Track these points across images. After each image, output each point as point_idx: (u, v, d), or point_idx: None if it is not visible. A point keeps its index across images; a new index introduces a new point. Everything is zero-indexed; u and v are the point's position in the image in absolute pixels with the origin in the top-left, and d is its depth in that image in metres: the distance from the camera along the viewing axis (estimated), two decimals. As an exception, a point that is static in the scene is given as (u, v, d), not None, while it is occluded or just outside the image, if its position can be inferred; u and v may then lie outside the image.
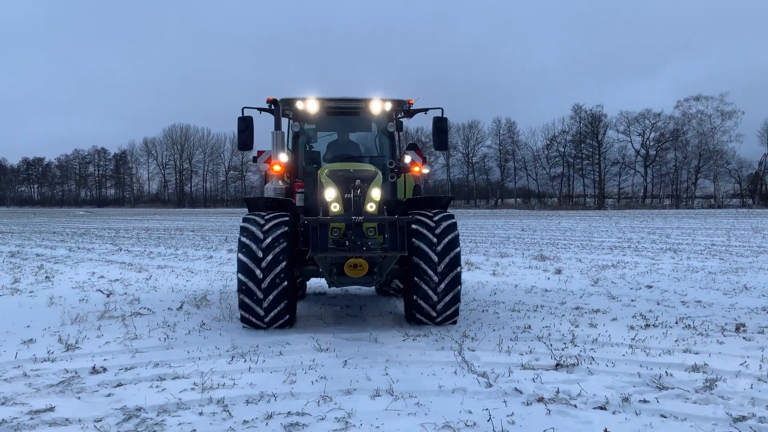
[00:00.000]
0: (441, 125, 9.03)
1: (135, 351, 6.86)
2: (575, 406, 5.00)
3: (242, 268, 7.40)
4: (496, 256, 17.79)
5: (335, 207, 7.75)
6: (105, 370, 6.11)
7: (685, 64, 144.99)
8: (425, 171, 9.76)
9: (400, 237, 7.40)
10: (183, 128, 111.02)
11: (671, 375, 5.81)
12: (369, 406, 5.04)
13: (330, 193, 7.79)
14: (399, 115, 9.56)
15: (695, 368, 6.03)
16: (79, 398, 5.27)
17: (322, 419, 4.73)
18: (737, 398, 5.17)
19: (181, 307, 9.56)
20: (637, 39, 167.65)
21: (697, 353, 6.62)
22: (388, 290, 10.86)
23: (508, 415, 4.74)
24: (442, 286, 7.58)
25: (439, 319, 7.83)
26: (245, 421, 4.67)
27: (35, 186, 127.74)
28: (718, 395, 5.25)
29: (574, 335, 7.50)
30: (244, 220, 7.72)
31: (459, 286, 7.73)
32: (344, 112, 9.43)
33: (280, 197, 8.53)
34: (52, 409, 4.96)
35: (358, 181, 7.51)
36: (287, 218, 7.68)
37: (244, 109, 8.85)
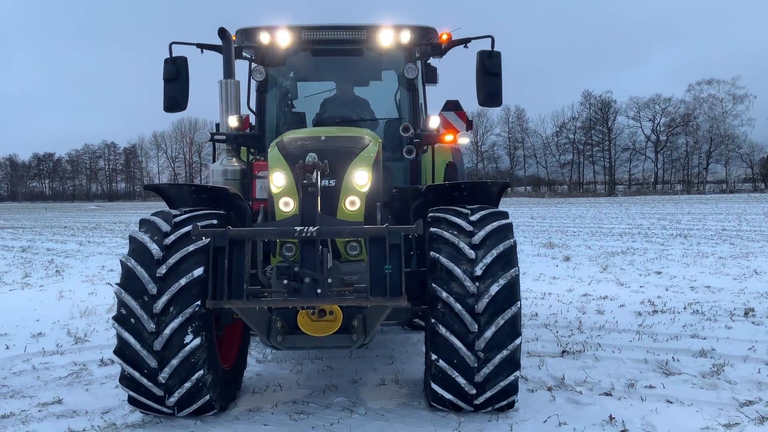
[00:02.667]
0: (491, 65, 5.83)
1: (143, 343, 6.90)
2: (580, 392, 5.00)
3: (122, 314, 4.21)
4: (505, 244, 17.70)
5: (287, 205, 4.71)
6: (113, 362, 6.11)
7: (694, 48, 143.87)
8: (462, 141, 6.53)
9: (394, 267, 3.98)
10: (191, 121, 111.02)
11: (678, 360, 5.79)
12: (375, 393, 5.08)
13: (278, 180, 4.75)
14: (425, 54, 6.56)
15: (702, 353, 6.01)
16: (87, 390, 5.32)
17: (327, 408, 4.76)
18: (744, 383, 5.16)
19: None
20: (644, 23, 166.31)
21: (704, 338, 6.59)
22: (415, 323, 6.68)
23: (512, 402, 4.74)
24: (486, 336, 4.13)
25: (478, 401, 4.31)
26: (250, 410, 4.71)
27: (46, 181, 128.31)
28: (725, 380, 5.24)
29: (580, 322, 7.49)
30: (141, 223, 4.57)
31: (516, 342, 4.20)
32: (338, 49, 6.37)
33: (230, 184, 5.56)
34: (59, 401, 5.01)
35: (311, 157, 4.19)
36: (215, 222, 4.49)
37: (174, 46, 6.01)
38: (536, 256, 14.69)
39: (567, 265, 13.00)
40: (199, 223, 4.33)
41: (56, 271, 13.65)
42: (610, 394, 4.94)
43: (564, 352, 6.18)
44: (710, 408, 4.58)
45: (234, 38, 5.94)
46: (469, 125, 6.81)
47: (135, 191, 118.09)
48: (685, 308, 8.17)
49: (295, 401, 4.90)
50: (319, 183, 4.18)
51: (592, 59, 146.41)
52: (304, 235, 3.92)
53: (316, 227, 3.97)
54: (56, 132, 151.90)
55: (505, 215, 4.54)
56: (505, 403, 4.41)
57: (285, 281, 3.89)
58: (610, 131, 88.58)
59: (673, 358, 5.86)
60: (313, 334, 4.11)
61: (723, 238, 17.84)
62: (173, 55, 6.00)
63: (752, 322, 7.32)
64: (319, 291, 3.88)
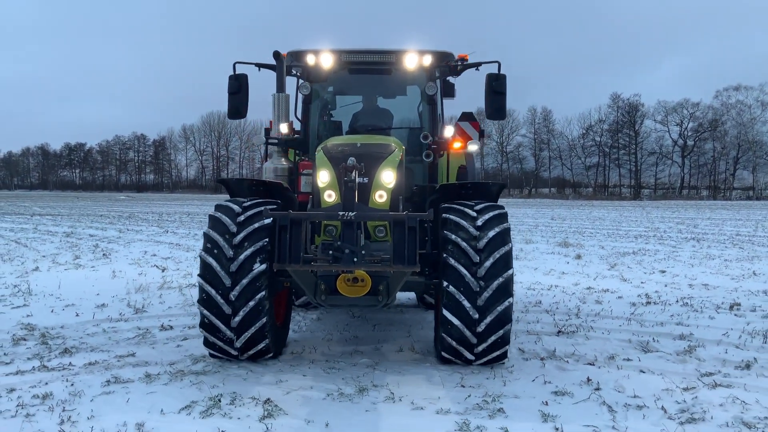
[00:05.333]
0: (497, 85, 6.93)
1: (194, 314, 7.94)
2: (567, 362, 5.92)
3: (205, 271, 5.53)
4: (521, 242, 18.55)
5: (330, 196, 5.90)
6: (171, 327, 7.20)
7: (722, 53, 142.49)
8: (472, 148, 7.51)
9: (411, 243, 4.95)
10: (220, 115, 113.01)
11: (658, 341, 6.66)
12: (394, 357, 6.06)
13: (323, 176, 5.94)
14: (444, 74, 7.60)
15: (681, 337, 6.87)
16: (153, 348, 6.36)
17: (354, 365, 5.74)
18: (711, 360, 6.03)
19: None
20: (671, 25, 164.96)
21: (687, 326, 7.43)
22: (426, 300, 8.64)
23: (508, 367, 5.69)
24: (485, 296, 5.33)
25: (479, 348, 5.48)
26: (292, 365, 5.72)
27: (77, 171, 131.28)
28: (695, 358, 6.11)
29: (579, 309, 8.38)
30: (216, 207, 5.85)
31: (509, 301, 5.38)
32: (370, 69, 7.57)
33: (279, 180, 6.73)
34: (133, 355, 6.06)
35: (351, 160, 5.33)
36: (274, 208, 5.70)
37: (237, 65, 7.05)
38: (550, 254, 15.48)
39: (578, 262, 13.81)
40: (262, 210, 5.47)
41: (103, 254, 14.81)
42: (593, 364, 5.84)
43: (559, 332, 7.08)
44: (675, 376, 5.46)
45: (284, 56, 6.87)
46: (482, 134, 7.86)
47: (163, 183, 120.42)
48: (677, 301, 9.01)
49: (327, 359, 5.92)
50: (356, 180, 5.29)
51: (617, 61, 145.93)
52: (345, 218, 5.00)
53: (354, 213, 5.04)
54: (87, 122, 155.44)
55: (501, 207, 5.80)
56: (499, 352, 5.57)
57: (330, 252, 4.97)
58: (637, 134, 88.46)
59: (653, 339, 6.75)
60: (348, 296, 5.23)
61: (734, 243, 18.46)
62: (236, 72, 6.99)
63: (735, 315, 8.13)
64: (355, 260, 4.93)
